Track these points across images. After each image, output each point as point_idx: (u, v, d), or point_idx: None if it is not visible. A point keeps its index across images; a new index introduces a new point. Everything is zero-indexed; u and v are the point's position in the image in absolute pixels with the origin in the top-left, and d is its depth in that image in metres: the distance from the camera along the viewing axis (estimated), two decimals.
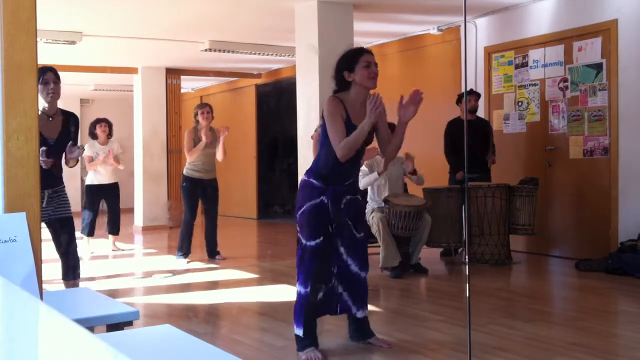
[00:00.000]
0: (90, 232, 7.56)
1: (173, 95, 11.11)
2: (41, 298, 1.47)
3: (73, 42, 8.01)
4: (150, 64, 10.64)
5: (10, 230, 1.44)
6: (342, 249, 3.60)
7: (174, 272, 6.39)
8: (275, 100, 12.25)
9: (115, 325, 2.68)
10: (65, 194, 4.21)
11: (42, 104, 4.02)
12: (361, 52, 3.50)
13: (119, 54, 9.65)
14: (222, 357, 1.99)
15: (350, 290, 3.66)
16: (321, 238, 3.50)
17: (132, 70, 10.79)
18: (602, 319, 4.34)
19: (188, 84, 12.95)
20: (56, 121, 4.08)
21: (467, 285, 3.32)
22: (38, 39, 1.53)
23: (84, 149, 7.16)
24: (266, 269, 6.65)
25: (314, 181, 3.53)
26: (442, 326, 4.21)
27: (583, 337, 3.83)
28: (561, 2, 6.74)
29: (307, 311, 3.53)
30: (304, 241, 3.53)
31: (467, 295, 3.33)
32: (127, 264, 7.21)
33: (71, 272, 4.21)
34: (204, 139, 6.66)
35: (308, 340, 3.54)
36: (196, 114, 6.81)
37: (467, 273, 3.27)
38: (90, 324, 2.59)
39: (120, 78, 11.40)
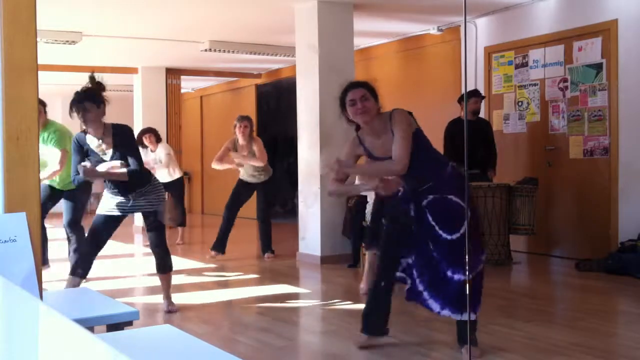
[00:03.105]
0: None
1: (173, 95, 11.10)
2: (41, 298, 1.47)
3: (73, 42, 8.01)
4: (150, 64, 10.63)
5: (10, 230, 1.44)
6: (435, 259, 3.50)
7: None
8: (275, 100, 12.25)
9: (115, 325, 2.68)
10: (151, 191, 4.50)
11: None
12: (346, 90, 3.51)
13: (119, 54, 9.65)
14: (222, 357, 1.99)
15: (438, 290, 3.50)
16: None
17: (132, 70, 10.79)
18: (602, 319, 4.34)
19: (188, 84, 12.94)
20: (107, 140, 4.31)
21: (467, 285, 3.31)
22: (38, 39, 1.53)
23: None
24: (266, 269, 6.65)
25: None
26: (442, 326, 4.20)
27: (583, 337, 3.83)
28: (561, 2, 6.74)
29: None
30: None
31: (467, 295, 3.33)
32: (127, 264, 7.21)
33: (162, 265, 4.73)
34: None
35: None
36: (235, 126, 7.00)
37: (467, 273, 3.27)
38: (90, 324, 2.59)
39: (120, 78, 11.38)
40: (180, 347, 2.18)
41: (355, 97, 3.43)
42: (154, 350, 2.18)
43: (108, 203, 4.46)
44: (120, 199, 4.40)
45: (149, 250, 8.02)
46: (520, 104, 7.16)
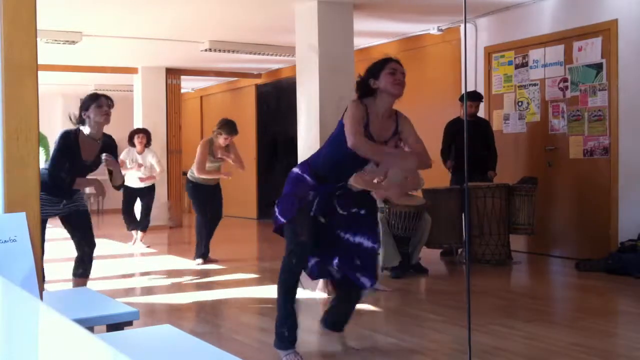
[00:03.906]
0: (129, 227, 8.19)
1: (173, 95, 11.10)
2: (41, 298, 1.47)
3: (73, 42, 8.01)
4: (150, 64, 10.63)
5: (10, 230, 1.44)
6: (346, 234, 3.59)
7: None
8: (275, 100, 12.25)
9: (115, 325, 2.68)
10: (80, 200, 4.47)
11: (90, 127, 4.24)
12: (387, 60, 3.49)
13: (119, 54, 9.65)
14: (222, 357, 1.99)
15: (362, 263, 3.62)
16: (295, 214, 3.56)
17: (132, 70, 10.79)
18: (602, 319, 4.34)
19: (188, 84, 12.94)
20: (98, 144, 4.32)
21: (467, 285, 3.32)
22: (38, 39, 1.53)
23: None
24: (266, 269, 6.64)
25: (307, 177, 3.55)
26: (442, 326, 4.21)
27: (583, 337, 3.83)
28: (561, 2, 6.74)
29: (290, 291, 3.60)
30: (281, 219, 3.60)
31: (467, 295, 3.33)
32: (127, 264, 7.21)
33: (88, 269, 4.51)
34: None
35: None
36: (220, 134, 6.66)
37: (467, 273, 3.27)
38: (90, 324, 2.59)
39: (120, 78, 11.40)
40: (180, 347, 2.18)
41: (397, 68, 3.44)
42: (154, 350, 2.18)
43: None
44: (53, 201, 4.26)
45: (149, 250, 8.06)
46: (520, 104, 7.16)
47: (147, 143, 8.01)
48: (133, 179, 7.93)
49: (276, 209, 3.63)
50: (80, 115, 4.29)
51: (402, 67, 3.48)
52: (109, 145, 4.40)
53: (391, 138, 3.49)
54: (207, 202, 6.88)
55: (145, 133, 8.02)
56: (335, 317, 3.77)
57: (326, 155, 3.56)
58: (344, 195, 3.61)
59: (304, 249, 3.53)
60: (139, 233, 8.26)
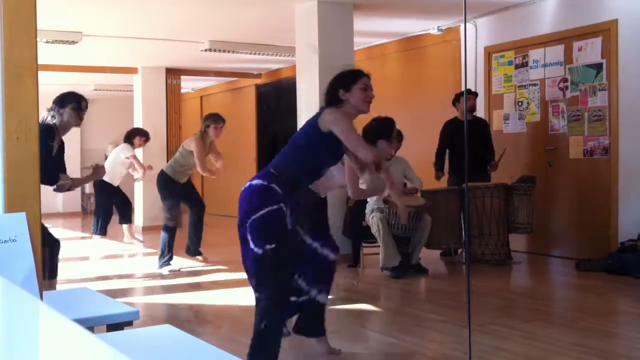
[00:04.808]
0: (104, 231, 8.04)
1: (173, 95, 11.10)
2: (41, 298, 1.47)
3: (73, 42, 8.01)
4: (150, 64, 10.63)
5: (10, 230, 1.44)
6: (309, 240, 3.64)
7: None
8: (275, 100, 12.25)
9: (115, 325, 2.68)
10: None
11: (59, 125, 4.21)
12: (360, 74, 3.38)
13: (119, 54, 9.65)
14: (222, 357, 1.99)
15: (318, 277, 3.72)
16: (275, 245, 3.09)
17: (132, 70, 10.79)
18: (602, 319, 4.34)
19: (188, 84, 12.94)
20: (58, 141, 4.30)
21: (467, 285, 3.32)
22: (38, 39, 1.53)
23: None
24: None
25: (275, 187, 3.10)
26: (442, 326, 4.21)
27: (583, 337, 3.83)
28: (561, 2, 6.74)
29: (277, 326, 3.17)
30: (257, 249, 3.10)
31: (467, 295, 3.33)
32: (127, 264, 7.21)
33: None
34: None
35: None
36: (208, 126, 6.38)
37: (467, 273, 3.27)
38: (90, 324, 2.58)
39: (120, 78, 11.40)
40: (180, 347, 2.18)
41: (368, 84, 3.35)
42: (154, 350, 2.18)
43: None
44: None
45: (149, 250, 8.06)
46: (520, 104, 7.16)
47: (144, 145, 8.18)
48: (115, 177, 7.90)
49: (248, 236, 3.09)
50: (55, 110, 4.20)
51: (371, 81, 3.38)
52: (62, 144, 4.36)
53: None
54: (183, 197, 6.73)
55: (147, 136, 8.16)
56: (305, 321, 3.70)
57: (300, 165, 3.24)
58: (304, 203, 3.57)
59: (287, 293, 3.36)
60: (126, 226, 8.28)
